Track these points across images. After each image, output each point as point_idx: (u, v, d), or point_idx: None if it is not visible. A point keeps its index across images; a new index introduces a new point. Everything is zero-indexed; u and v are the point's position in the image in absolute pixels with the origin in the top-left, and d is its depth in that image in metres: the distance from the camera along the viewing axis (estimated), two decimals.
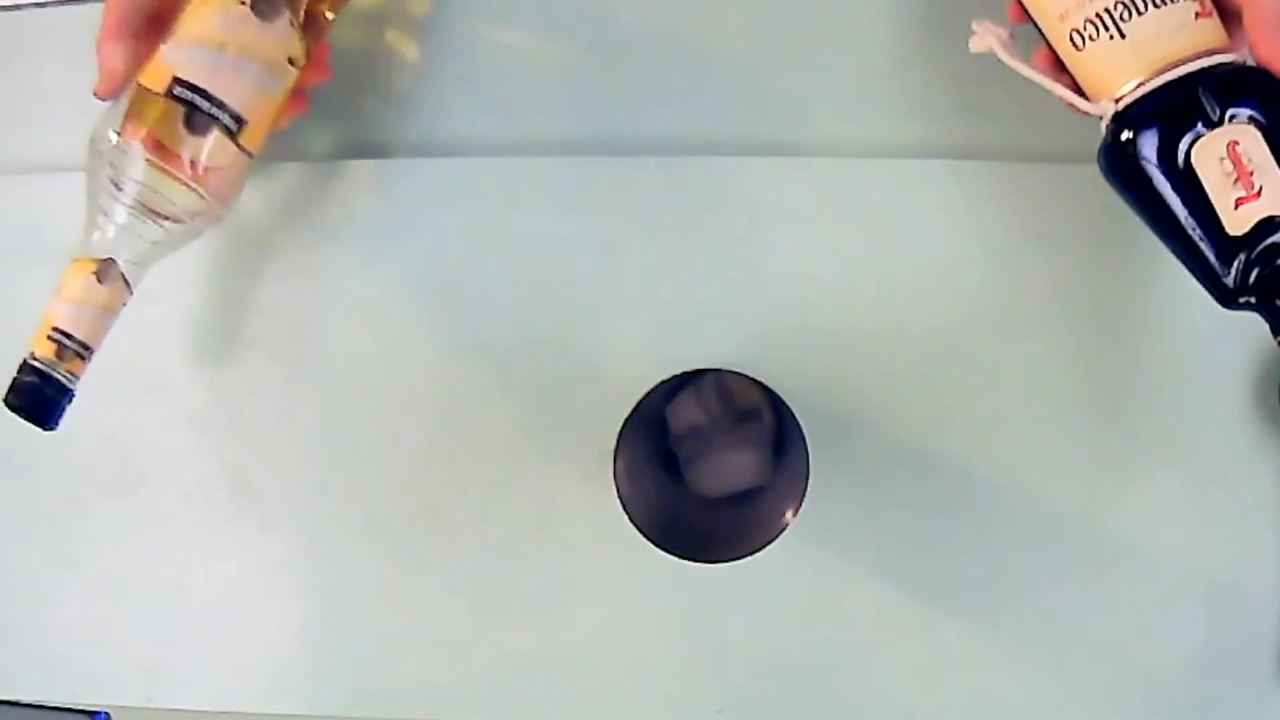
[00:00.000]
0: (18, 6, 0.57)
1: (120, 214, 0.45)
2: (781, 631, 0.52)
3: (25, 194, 0.56)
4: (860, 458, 0.51)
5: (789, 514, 0.43)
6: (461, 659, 0.53)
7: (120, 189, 0.45)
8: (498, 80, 0.54)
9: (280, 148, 0.50)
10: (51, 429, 0.46)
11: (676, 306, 0.52)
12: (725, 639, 0.52)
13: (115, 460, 0.55)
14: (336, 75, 0.50)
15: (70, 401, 0.46)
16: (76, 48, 0.56)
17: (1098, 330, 0.51)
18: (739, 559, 0.43)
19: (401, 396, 0.53)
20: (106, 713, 0.56)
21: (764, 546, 0.43)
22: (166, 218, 0.46)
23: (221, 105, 0.45)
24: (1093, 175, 0.51)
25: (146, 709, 0.54)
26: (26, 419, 0.45)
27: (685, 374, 0.45)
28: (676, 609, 0.52)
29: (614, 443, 0.44)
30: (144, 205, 0.45)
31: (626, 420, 0.44)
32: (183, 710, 0.55)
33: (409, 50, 0.55)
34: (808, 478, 0.43)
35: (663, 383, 0.44)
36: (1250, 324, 0.50)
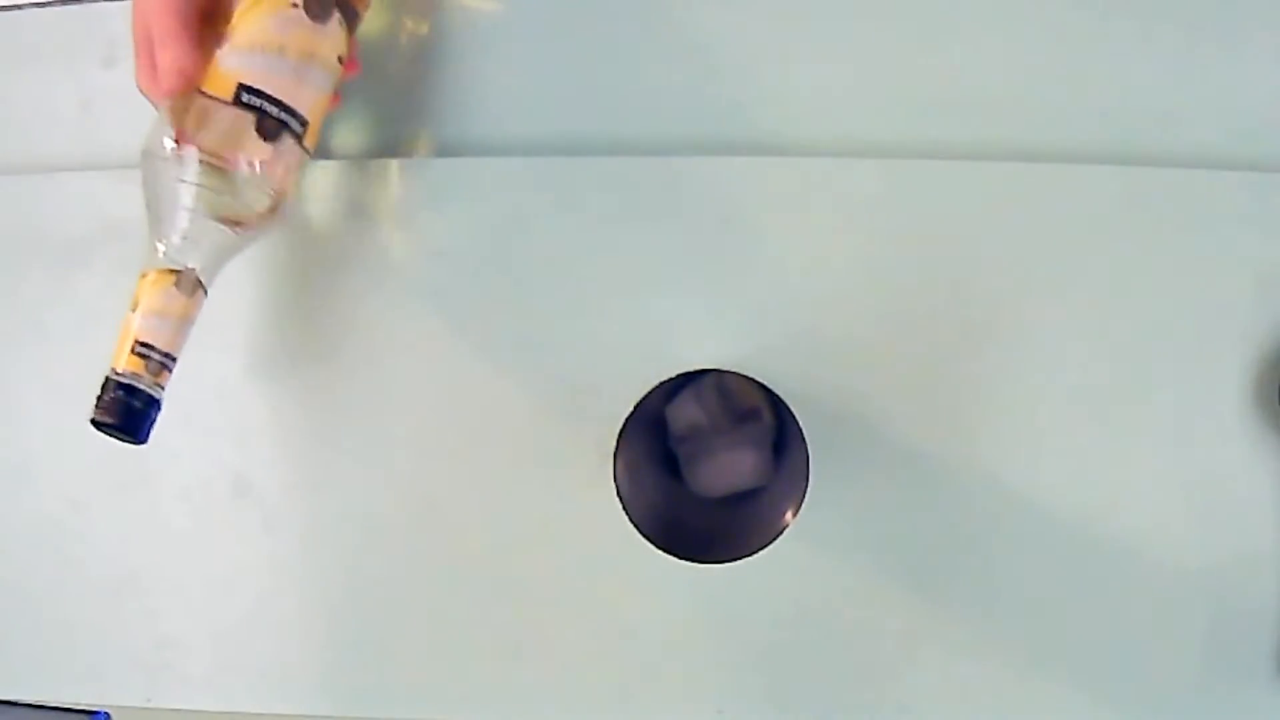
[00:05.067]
0: (18, 6, 0.57)
1: (186, 221, 0.45)
2: (781, 631, 0.52)
3: (25, 194, 0.56)
4: (860, 458, 0.51)
5: (789, 514, 0.43)
6: (461, 659, 0.53)
7: (185, 197, 0.45)
8: (497, 80, 0.54)
9: None
10: (142, 443, 0.46)
11: (676, 306, 0.52)
12: (725, 639, 0.52)
13: (116, 460, 0.55)
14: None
15: (158, 413, 0.46)
16: (76, 48, 0.57)
17: (1097, 330, 0.51)
18: (739, 559, 0.43)
19: (402, 396, 0.53)
20: (106, 713, 0.56)
21: (764, 546, 0.43)
22: (236, 222, 0.46)
23: (287, 109, 0.46)
24: (1094, 175, 0.51)
25: (146, 709, 0.54)
26: (117, 436, 0.45)
27: (685, 374, 0.45)
28: (676, 609, 0.52)
29: (614, 443, 0.44)
30: (212, 211, 0.45)
31: (626, 420, 0.44)
32: (183, 710, 0.55)
33: (409, 51, 0.55)
34: (808, 478, 0.43)
35: (663, 383, 0.44)
36: (1250, 324, 0.50)
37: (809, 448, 0.43)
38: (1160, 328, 0.51)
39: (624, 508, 0.43)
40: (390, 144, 0.55)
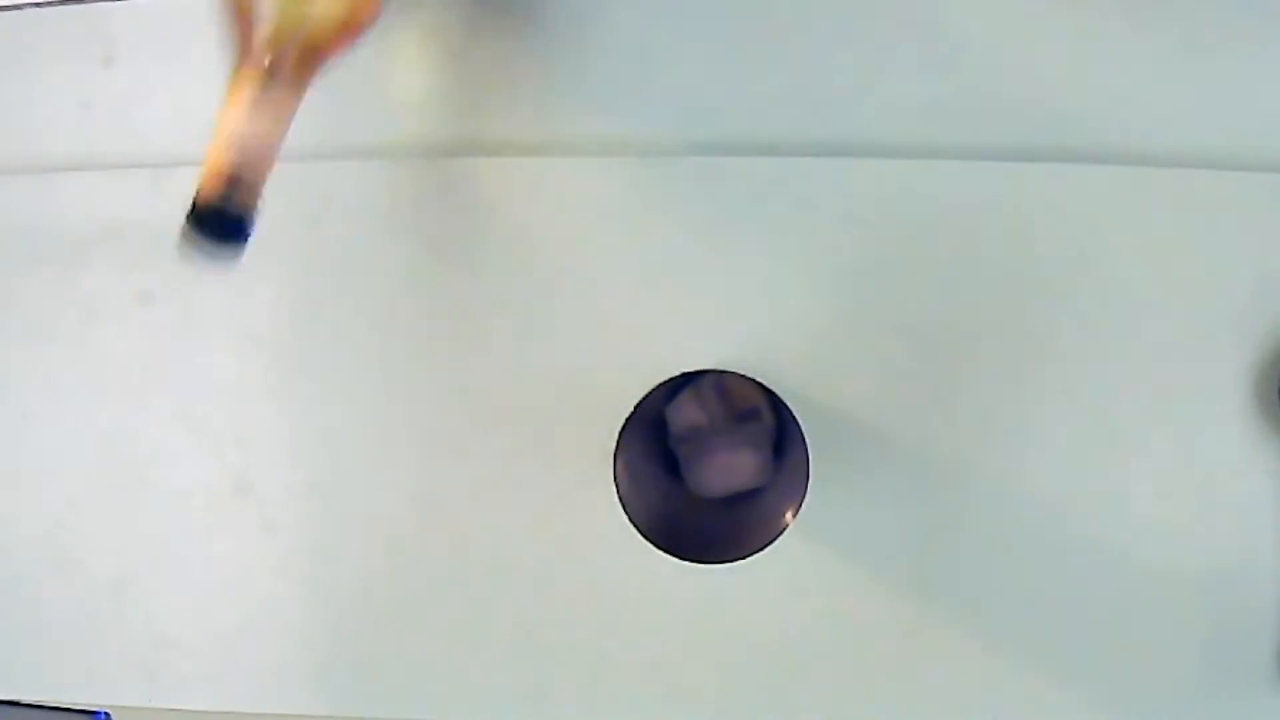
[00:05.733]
0: (18, 6, 0.57)
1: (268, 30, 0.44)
2: (782, 631, 0.52)
3: (25, 194, 0.56)
4: (860, 458, 0.51)
5: (789, 514, 0.43)
6: (462, 659, 0.53)
7: (266, 5, 0.43)
8: (497, 80, 0.54)
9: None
10: (242, 244, 0.43)
11: (677, 306, 0.52)
12: (725, 639, 0.52)
13: (117, 460, 0.55)
14: (335, 74, 0.50)
15: (253, 227, 0.43)
16: (76, 48, 0.56)
17: (1097, 330, 0.51)
18: (739, 559, 0.43)
19: (401, 396, 0.53)
20: (106, 713, 0.56)
21: (764, 546, 0.43)
22: (316, 45, 0.45)
23: None
24: (1094, 175, 0.51)
25: (146, 709, 0.55)
26: (213, 242, 0.43)
27: (685, 374, 0.45)
28: (676, 609, 0.52)
29: (614, 443, 0.44)
30: (294, 23, 0.44)
31: (626, 420, 0.44)
32: (183, 710, 0.55)
33: (409, 50, 0.55)
34: (808, 478, 0.43)
35: (663, 383, 0.44)
36: (1250, 324, 0.50)
37: (809, 448, 0.43)
38: (1160, 327, 0.51)
39: (624, 508, 0.43)
40: (392, 144, 0.55)
